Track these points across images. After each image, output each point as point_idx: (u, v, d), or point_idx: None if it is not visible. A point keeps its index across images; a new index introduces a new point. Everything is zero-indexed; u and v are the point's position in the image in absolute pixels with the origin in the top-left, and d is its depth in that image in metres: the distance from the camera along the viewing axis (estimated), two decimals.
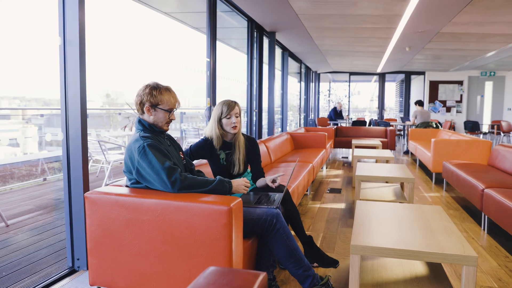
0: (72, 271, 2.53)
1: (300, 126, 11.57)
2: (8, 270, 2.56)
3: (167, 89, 2.06)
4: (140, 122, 2.06)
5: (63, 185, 2.54)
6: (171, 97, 2.06)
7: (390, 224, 2.17)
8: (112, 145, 6.15)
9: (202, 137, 2.63)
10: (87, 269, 2.53)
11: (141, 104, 2.04)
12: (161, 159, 1.89)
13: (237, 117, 2.50)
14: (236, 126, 2.49)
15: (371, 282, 2.01)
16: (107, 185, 4.95)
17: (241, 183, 2.10)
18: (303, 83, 11.72)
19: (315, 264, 2.54)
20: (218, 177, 2.02)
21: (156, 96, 2.01)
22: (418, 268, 2.18)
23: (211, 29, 4.42)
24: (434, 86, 12.58)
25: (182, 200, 1.78)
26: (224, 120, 2.50)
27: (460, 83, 12.41)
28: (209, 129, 2.58)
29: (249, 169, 2.73)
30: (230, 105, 2.49)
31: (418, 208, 2.51)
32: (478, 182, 3.56)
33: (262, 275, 1.02)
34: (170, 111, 2.06)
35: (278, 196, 2.27)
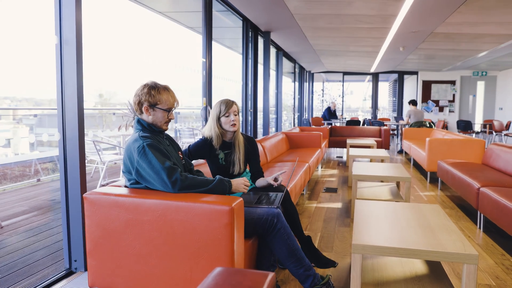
0: (69, 273, 2.50)
1: (294, 125, 11.59)
2: (4, 272, 2.52)
3: (166, 88, 2.04)
4: (139, 122, 2.04)
5: (60, 186, 2.51)
6: (170, 97, 2.04)
7: (390, 223, 2.18)
8: (106, 145, 6.10)
9: (201, 137, 2.62)
10: (85, 270, 2.51)
11: (139, 104, 2.02)
12: (161, 159, 1.87)
13: (235, 115, 2.51)
14: (235, 124, 2.50)
15: (372, 281, 2.02)
16: (103, 185, 4.91)
17: (241, 182, 2.10)
18: (297, 83, 11.74)
19: (313, 265, 2.54)
20: (218, 176, 2.01)
21: (155, 96, 2.00)
22: (418, 266, 2.19)
23: (207, 29, 4.41)
24: (427, 86, 12.68)
25: (183, 200, 1.77)
26: (223, 119, 2.49)
27: (453, 82, 12.52)
28: (208, 129, 2.57)
29: (247, 169, 2.72)
30: (228, 104, 2.50)
31: (416, 207, 2.52)
32: (474, 181, 3.59)
33: (271, 275, 1.01)
34: (169, 110, 2.04)
35: (278, 196, 2.26)
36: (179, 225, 1.77)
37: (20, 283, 2.38)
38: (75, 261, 2.52)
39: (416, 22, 5.76)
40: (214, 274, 0.99)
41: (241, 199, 1.81)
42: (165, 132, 2.14)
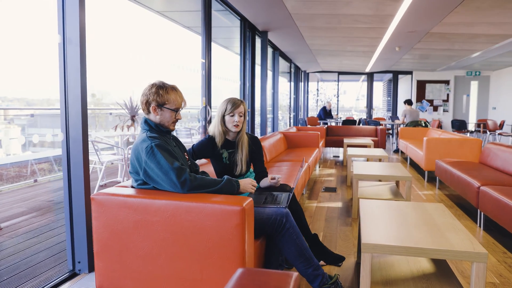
0: (73, 275, 2.48)
1: (290, 125, 11.60)
2: (7, 275, 2.49)
3: (173, 88, 2.03)
4: (146, 122, 2.02)
5: (63, 186, 2.49)
6: (178, 96, 2.03)
7: (397, 222, 2.18)
8: (101, 145, 6.05)
9: (206, 135, 2.61)
10: (89, 272, 2.48)
11: (147, 104, 2.00)
12: (170, 159, 1.86)
13: (240, 116, 2.49)
14: (238, 125, 2.48)
15: (380, 280, 2.02)
16: (101, 186, 4.85)
17: (248, 182, 2.10)
18: (292, 83, 11.75)
19: (322, 262, 2.55)
20: (226, 176, 2.00)
21: (163, 96, 1.98)
22: (424, 265, 2.20)
23: (206, 29, 4.39)
24: (421, 86, 12.77)
25: (193, 201, 1.76)
26: (227, 117, 2.48)
27: (447, 82, 12.63)
28: (212, 126, 2.56)
29: (251, 169, 2.72)
30: (236, 103, 2.48)
31: (421, 206, 2.53)
32: (474, 180, 3.62)
33: (295, 275, 1.01)
34: (176, 110, 2.03)
35: (286, 196, 2.26)
36: (189, 225, 1.76)
37: (23, 285, 2.35)
38: (79, 262, 2.50)
39: (413, 22, 5.79)
40: (238, 275, 0.98)
41: (251, 199, 1.80)
42: (171, 133, 2.14)
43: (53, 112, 7.55)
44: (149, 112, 2.01)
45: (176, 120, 2.07)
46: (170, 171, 1.83)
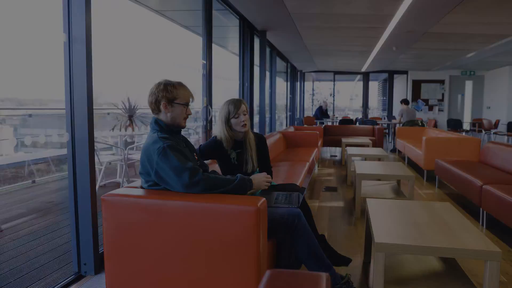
0: (78, 277, 2.44)
1: (287, 125, 11.60)
2: (11, 277, 2.45)
3: (180, 84, 2.03)
4: (157, 122, 2.00)
5: (68, 187, 2.45)
6: (186, 91, 2.03)
7: (407, 221, 2.18)
8: (100, 145, 5.99)
9: (212, 137, 2.59)
10: (95, 274, 2.45)
11: (156, 103, 1.98)
12: (183, 160, 1.84)
13: (245, 114, 2.47)
14: (245, 124, 2.46)
15: (392, 279, 2.02)
16: (101, 186, 4.80)
17: (262, 179, 2.08)
18: (288, 83, 11.75)
19: None
20: (239, 175, 1.98)
21: (172, 91, 1.97)
22: (434, 264, 2.21)
23: (207, 29, 4.36)
24: (416, 85, 12.83)
25: (207, 202, 1.74)
26: (232, 120, 2.45)
27: (442, 82, 12.71)
28: (218, 131, 2.53)
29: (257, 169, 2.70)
30: (237, 104, 2.45)
31: (428, 205, 2.54)
32: (476, 179, 3.64)
33: (325, 275, 0.99)
34: (186, 105, 2.01)
35: (297, 196, 2.25)
36: (203, 226, 1.74)
37: None
38: (85, 264, 2.47)
39: (412, 22, 5.81)
40: (267, 277, 0.96)
41: (265, 199, 1.79)
42: (181, 134, 2.11)
43: (47, 112, 7.47)
44: (159, 111, 1.99)
45: (187, 116, 2.05)
46: (183, 172, 1.80)
